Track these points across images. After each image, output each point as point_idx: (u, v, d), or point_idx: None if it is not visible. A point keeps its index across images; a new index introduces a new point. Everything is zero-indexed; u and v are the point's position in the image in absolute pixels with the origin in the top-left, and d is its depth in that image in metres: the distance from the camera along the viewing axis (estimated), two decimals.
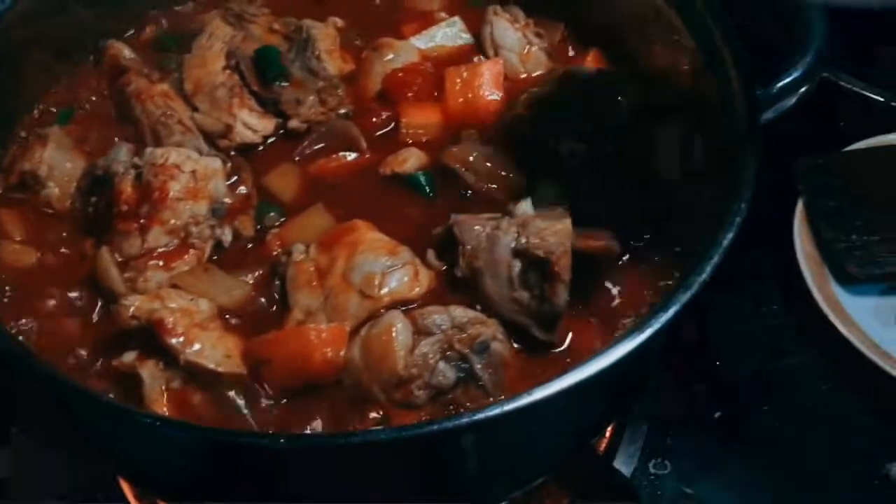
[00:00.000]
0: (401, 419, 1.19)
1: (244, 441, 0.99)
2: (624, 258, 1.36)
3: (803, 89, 1.39)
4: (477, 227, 1.32)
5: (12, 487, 1.51)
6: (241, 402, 1.22)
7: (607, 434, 1.59)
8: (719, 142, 1.34)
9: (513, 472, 1.28)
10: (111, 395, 1.20)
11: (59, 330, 1.29)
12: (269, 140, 1.54)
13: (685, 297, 1.09)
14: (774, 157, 1.47)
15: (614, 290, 1.35)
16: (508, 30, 1.65)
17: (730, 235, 1.13)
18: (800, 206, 1.81)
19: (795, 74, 1.35)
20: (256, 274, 1.35)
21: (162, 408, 1.21)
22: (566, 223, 1.29)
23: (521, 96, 1.52)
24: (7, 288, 1.33)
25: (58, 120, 1.53)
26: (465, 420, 1.00)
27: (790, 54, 1.41)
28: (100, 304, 1.32)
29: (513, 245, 1.28)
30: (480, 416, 0.99)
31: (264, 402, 1.22)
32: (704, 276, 1.10)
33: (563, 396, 1.03)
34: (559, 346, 1.28)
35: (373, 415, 1.20)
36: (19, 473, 1.51)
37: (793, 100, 1.41)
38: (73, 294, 1.33)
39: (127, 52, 1.59)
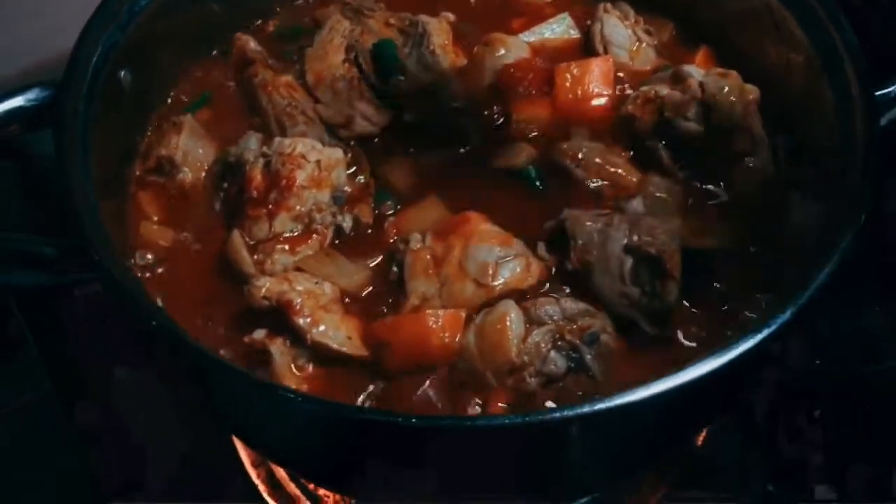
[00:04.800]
0: (495, 406, 1.24)
1: (376, 419, 1.06)
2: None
3: None
4: (589, 223, 1.36)
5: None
6: (360, 381, 1.30)
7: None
8: (830, 150, 1.34)
9: (618, 461, 1.32)
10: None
11: (195, 306, 1.38)
12: (385, 131, 1.60)
13: (786, 315, 1.12)
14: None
15: (720, 285, 1.37)
16: (619, 26, 1.68)
17: (836, 257, 1.14)
18: None
19: None
20: (374, 260, 1.43)
21: (289, 382, 1.29)
22: (677, 222, 1.33)
23: (631, 94, 1.55)
24: (150, 257, 1.42)
25: (189, 108, 1.61)
26: (594, 407, 1.05)
27: None
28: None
29: (624, 241, 1.32)
30: (606, 404, 1.04)
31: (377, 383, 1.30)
32: (810, 291, 1.12)
33: (681, 391, 1.07)
34: (670, 340, 1.32)
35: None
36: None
37: None
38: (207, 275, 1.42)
39: (253, 44, 1.67)
